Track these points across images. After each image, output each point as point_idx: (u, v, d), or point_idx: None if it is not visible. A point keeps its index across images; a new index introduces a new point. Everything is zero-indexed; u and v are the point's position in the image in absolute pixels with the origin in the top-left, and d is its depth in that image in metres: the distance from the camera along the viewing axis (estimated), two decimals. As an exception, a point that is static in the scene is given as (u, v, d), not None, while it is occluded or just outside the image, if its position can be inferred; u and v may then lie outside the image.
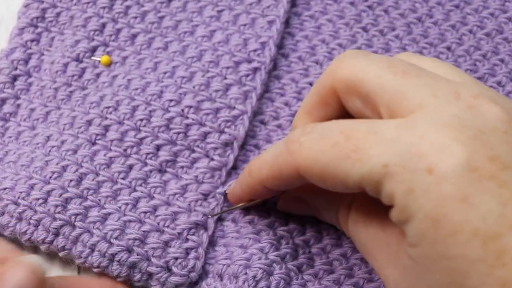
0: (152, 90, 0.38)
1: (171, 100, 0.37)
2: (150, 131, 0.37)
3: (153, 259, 0.34)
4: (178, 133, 0.37)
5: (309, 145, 0.28)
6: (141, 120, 0.37)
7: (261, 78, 0.39)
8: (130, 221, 0.35)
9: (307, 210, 0.35)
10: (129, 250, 0.34)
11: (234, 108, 0.38)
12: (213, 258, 0.35)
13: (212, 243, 0.36)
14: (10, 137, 0.39)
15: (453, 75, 0.29)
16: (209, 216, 0.36)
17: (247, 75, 0.39)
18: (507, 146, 0.24)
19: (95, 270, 0.35)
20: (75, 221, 0.34)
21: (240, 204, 0.36)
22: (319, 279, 0.35)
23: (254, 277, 0.34)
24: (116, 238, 0.34)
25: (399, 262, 0.28)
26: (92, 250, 0.34)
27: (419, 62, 0.30)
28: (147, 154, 0.37)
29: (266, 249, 0.35)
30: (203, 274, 0.35)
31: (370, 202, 0.29)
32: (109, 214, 0.35)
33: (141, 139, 0.37)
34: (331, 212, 0.34)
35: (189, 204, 0.36)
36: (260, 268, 0.34)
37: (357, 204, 0.31)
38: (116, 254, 0.34)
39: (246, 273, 0.34)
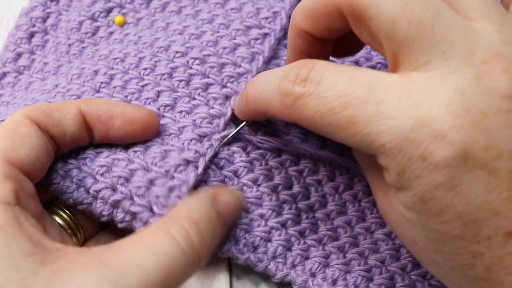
0: (160, 44, 0.38)
1: (177, 52, 0.37)
2: (152, 79, 0.37)
3: (136, 198, 0.32)
4: (180, 80, 0.37)
5: (305, 103, 0.26)
6: (145, 69, 0.37)
7: (270, 43, 0.38)
8: (119, 159, 0.33)
9: None
10: (113, 188, 0.33)
11: (240, 66, 0.37)
12: None
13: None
14: (21, 86, 0.39)
15: (479, 15, 0.26)
16: (220, 141, 0.35)
17: (257, 39, 0.38)
18: (507, 130, 0.24)
19: (80, 207, 0.33)
20: (67, 158, 0.34)
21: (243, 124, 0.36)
22: (323, 245, 0.35)
23: (253, 243, 0.34)
24: (102, 175, 0.33)
25: (389, 200, 0.28)
26: (78, 186, 0.33)
27: None
28: (147, 99, 0.36)
29: (267, 215, 0.35)
30: None
31: None
32: (100, 152, 0.34)
33: (143, 86, 0.37)
34: None
35: (183, 143, 0.35)
36: (257, 236, 0.35)
37: None
38: (100, 191, 0.33)
39: (245, 238, 0.35)
